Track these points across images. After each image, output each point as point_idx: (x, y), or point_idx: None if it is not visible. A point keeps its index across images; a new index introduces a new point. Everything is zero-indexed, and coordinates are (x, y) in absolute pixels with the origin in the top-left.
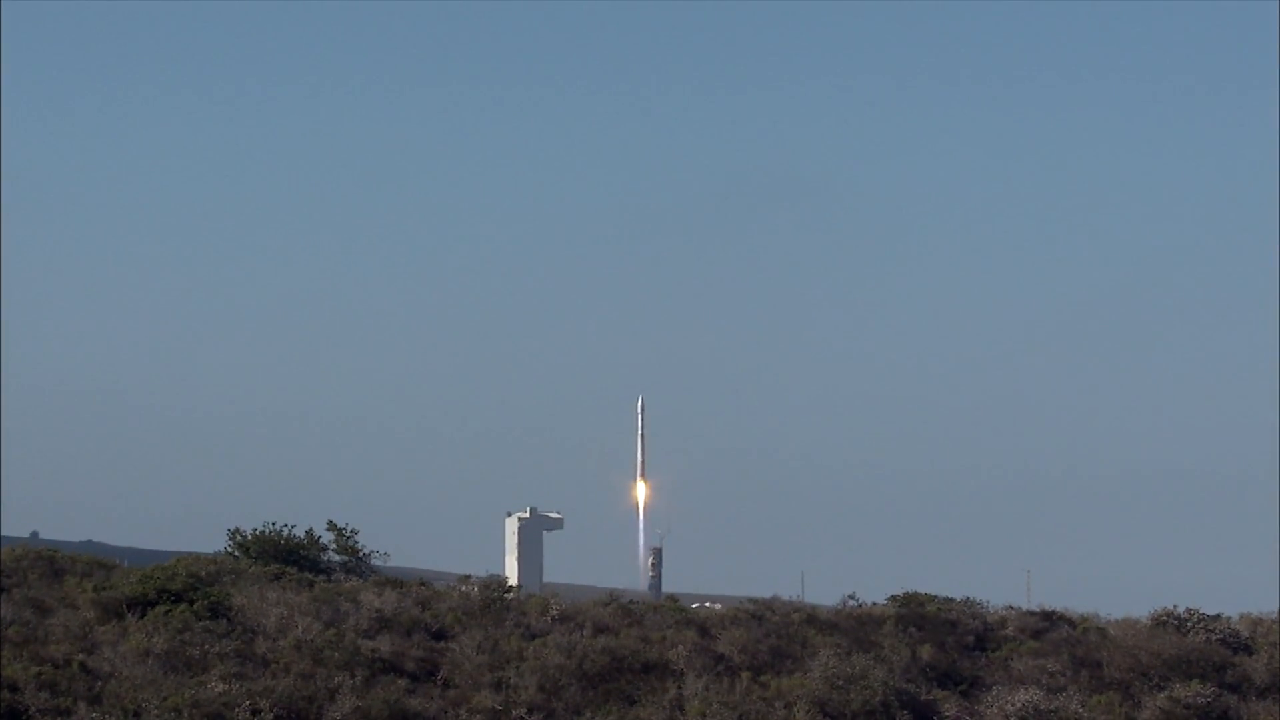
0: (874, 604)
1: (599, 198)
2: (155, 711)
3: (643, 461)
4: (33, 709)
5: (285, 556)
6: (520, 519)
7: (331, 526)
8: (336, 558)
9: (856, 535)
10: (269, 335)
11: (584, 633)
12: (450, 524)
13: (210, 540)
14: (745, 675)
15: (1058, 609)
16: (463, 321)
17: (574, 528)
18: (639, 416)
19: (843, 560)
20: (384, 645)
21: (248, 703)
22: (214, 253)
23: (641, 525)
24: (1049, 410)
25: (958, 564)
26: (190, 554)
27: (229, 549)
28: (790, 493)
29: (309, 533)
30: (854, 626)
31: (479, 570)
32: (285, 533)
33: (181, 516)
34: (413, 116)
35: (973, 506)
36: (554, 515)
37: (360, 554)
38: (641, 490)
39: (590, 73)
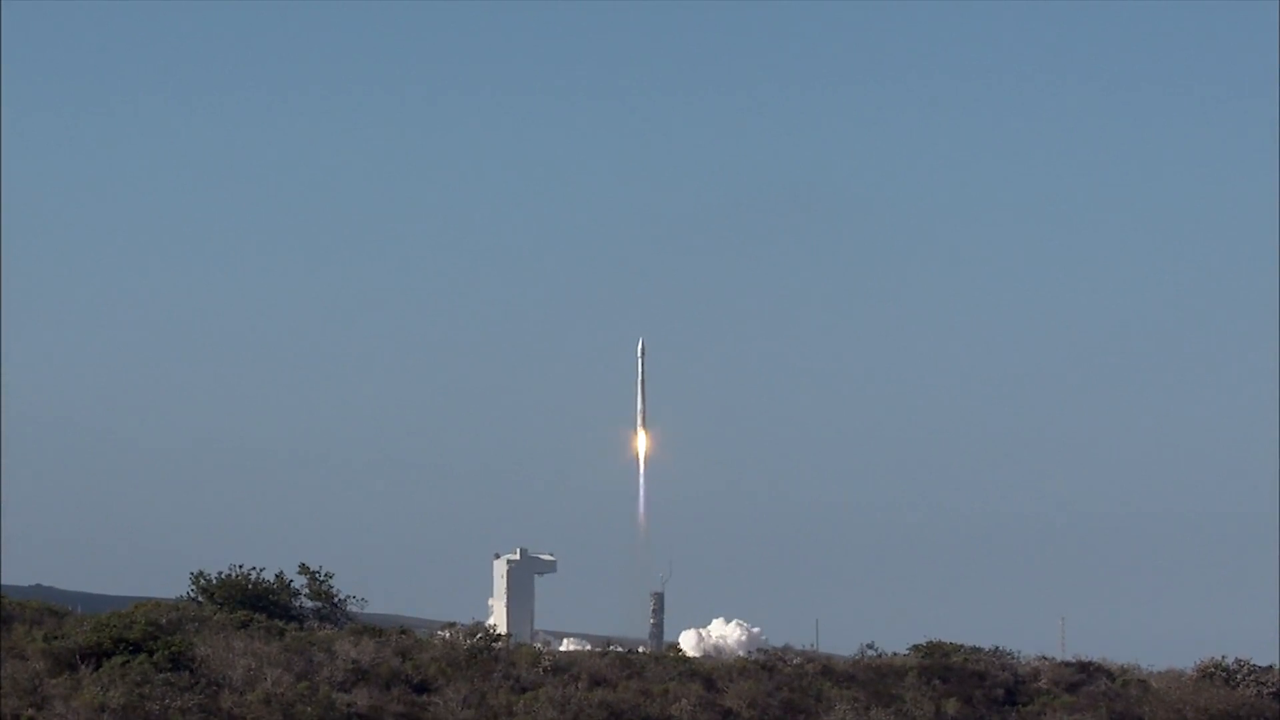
0: (895, 654)
1: (598, 215)
2: None
3: (643, 411)
4: None
5: (253, 602)
6: (510, 561)
7: (304, 569)
8: (309, 603)
9: (876, 579)
10: (236, 362)
11: (579, 685)
12: (433, 567)
13: (171, 585)
14: None
15: (1095, 660)
16: (446, 346)
17: (568, 571)
18: (639, 361)
19: (861, 606)
20: (361, 699)
21: None
22: (175, 278)
23: (642, 480)
24: (1085, 447)
25: (985, 611)
26: (149, 600)
27: (192, 594)
28: (804, 532)
29: (279, 576)
30: (873, 678)
31: (464, 617)
32: (253, 576)
33: (140, 559)
34: (400, 131)
35: (1002, 548)
36: (546, 557)
37: (335, 599)
38: (642, 441)
39: (598, 80)
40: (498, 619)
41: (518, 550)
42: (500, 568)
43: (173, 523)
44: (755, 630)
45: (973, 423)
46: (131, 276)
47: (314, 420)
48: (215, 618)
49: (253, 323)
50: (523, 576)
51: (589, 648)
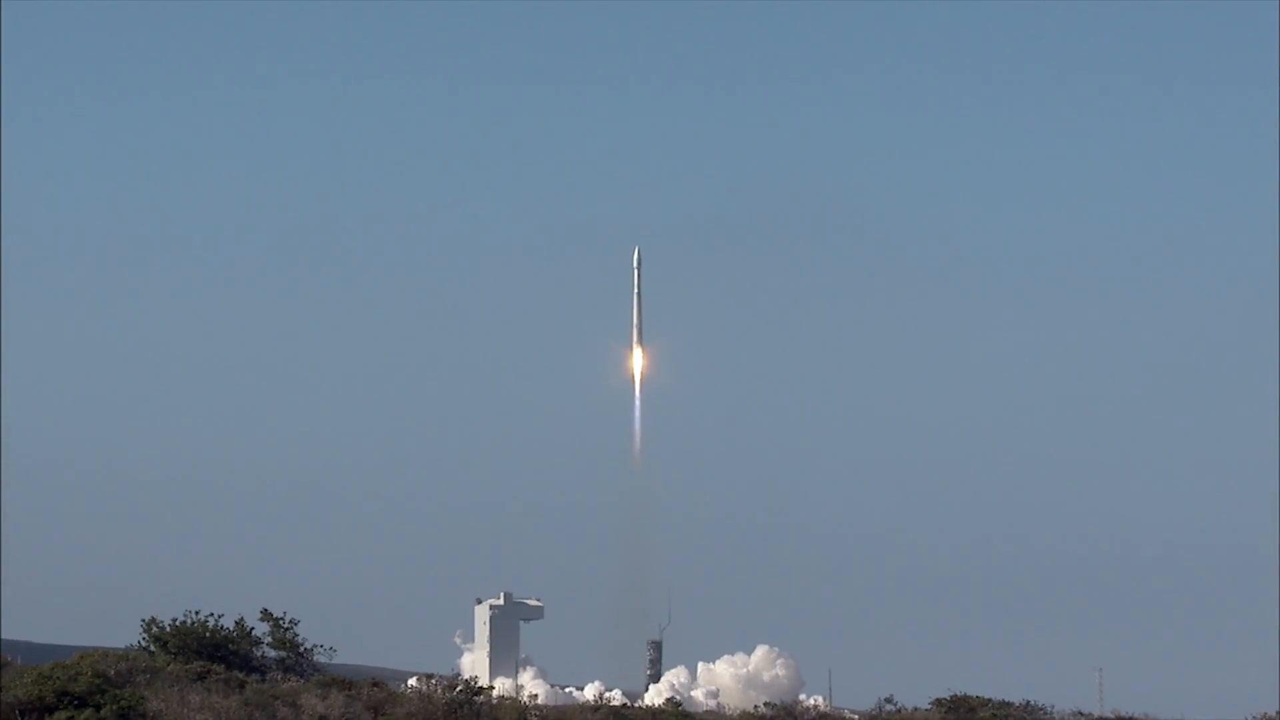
0: (915, 708)
1: (591, 228)
2: None
3: (639, 326)
4: None
5: (211, 652)
6: (492, 606)
7: (266, 616)
8: (272, 653)
9: (893, 625)
10: (192, 386)
11: None
12: (408, 613)
13: (120, 633)
14: None
15: (1136, 714)
16: (425, 369)
17: (555, 617)
18: (635, 271)
19: (877, 655)
20: None
21: None
22: (127, 292)
23: (638, 401)
24: (1125, 484)
25: (1015, 661)
26: (96, 649)
27: (143, 643)
28: (815, 575)
29: (239, 623)
30: None
31: (442, 668)
32: (211, 623)
33: (86, 604)
34: (379, 143)
35: (1033, 592)
36: (533, 602)
37: (301, 649)
38: (638, 360)
39: (603, 79)
40: (475, 664)
41: (501, 595)
42: (482, 613)
43: (122, 564)
44: (754, 659)
45: (1003, 454)
46: (74, 301)
47: (275, 454)
48: (169, 669)
49: (212, 346)
50: (507, 623)
51: (573, 691)
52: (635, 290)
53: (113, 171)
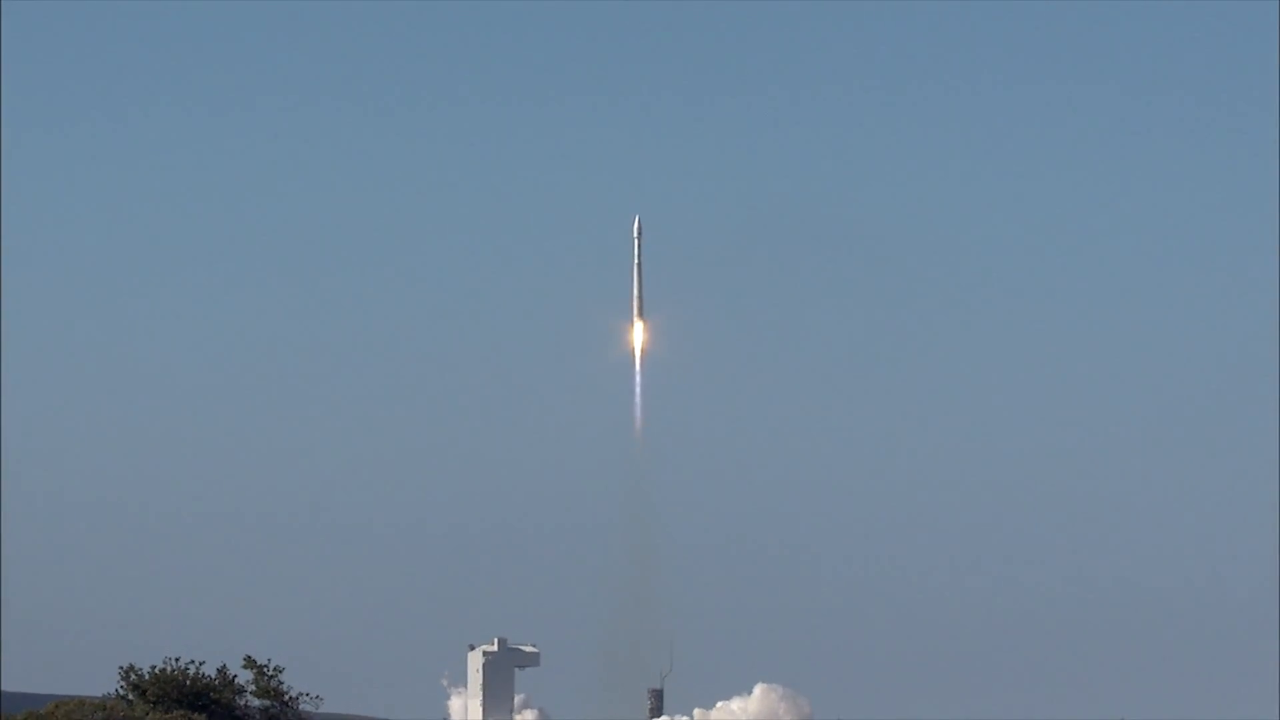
0: None
1: (590, 206)
2: None
3: (639, 297)
4: None
5: (192, 701)
6: (486, 653)
7: (249, 663)
8: (256, 702)
9: (904, 667)
10: (169, 424)
11: None
12: (398, 659)
13: (97, 681)
14: None
15: None
16: (415, 398)
17: (553, 664)
18: (635, 241)
19: (886, 697)
20: None
21: None
22: (97, 337)
23: (638, 376)
24: (1153, 519)
25: (1034, 706)
26: (73, 698)
27: (121, 691)
28: (822, 611)
29: (221, 671)
30: None
31: (433, 715)
32: (192, 671)
33: (62, 650)
34: (361, 165)
35: (1053, 634)
36: (528, 649)
37: (286, 697)
38: (639, 333)
39: (603, 92)
40: (467, 710)
41: (495, 640)
42: (475, 660)
43: (99, 609)
44: (753, 700)
45: (1019, 484)
46: (49, 342)
47: (257, 493)
48: (148, 718)
49: (189, 373)
50: (501, 670)
51: None
52: (635, 261)
53: (103, 182)
